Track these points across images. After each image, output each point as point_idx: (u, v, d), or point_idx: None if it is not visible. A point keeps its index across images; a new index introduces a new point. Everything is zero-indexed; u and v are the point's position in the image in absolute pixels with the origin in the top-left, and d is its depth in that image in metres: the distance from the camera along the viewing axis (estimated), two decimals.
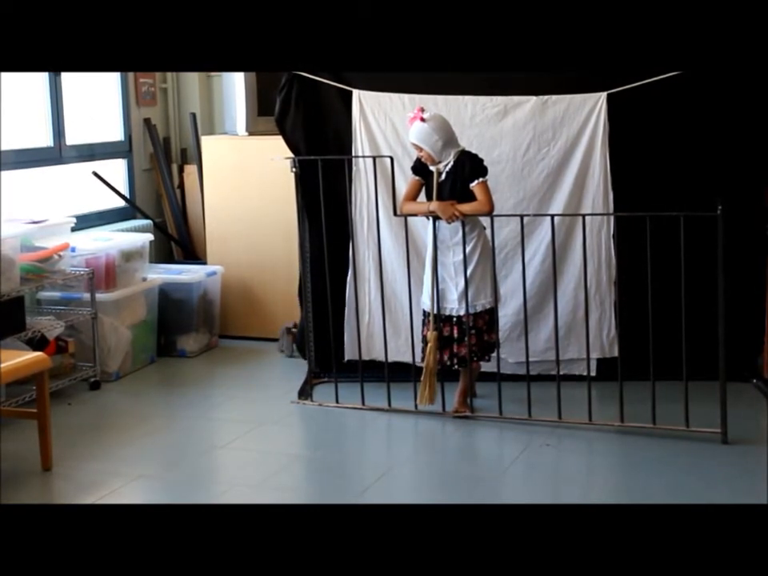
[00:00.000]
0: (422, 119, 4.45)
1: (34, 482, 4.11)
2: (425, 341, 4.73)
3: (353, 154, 5.11)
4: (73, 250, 5.28)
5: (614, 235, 4.74)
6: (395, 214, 4.78)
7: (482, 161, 4.52)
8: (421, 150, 4.50)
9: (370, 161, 4.97)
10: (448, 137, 4.49)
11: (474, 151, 4.59)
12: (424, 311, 4.76)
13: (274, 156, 5.19)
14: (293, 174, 4.95)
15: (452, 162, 4.50)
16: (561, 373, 4.64)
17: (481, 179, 4.46)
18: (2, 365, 4.04)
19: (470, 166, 4.48)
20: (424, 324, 4.76)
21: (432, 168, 4.53)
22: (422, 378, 4.69)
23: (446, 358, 4.67)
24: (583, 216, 4.65)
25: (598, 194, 4.97)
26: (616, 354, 4.70)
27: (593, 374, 4.77)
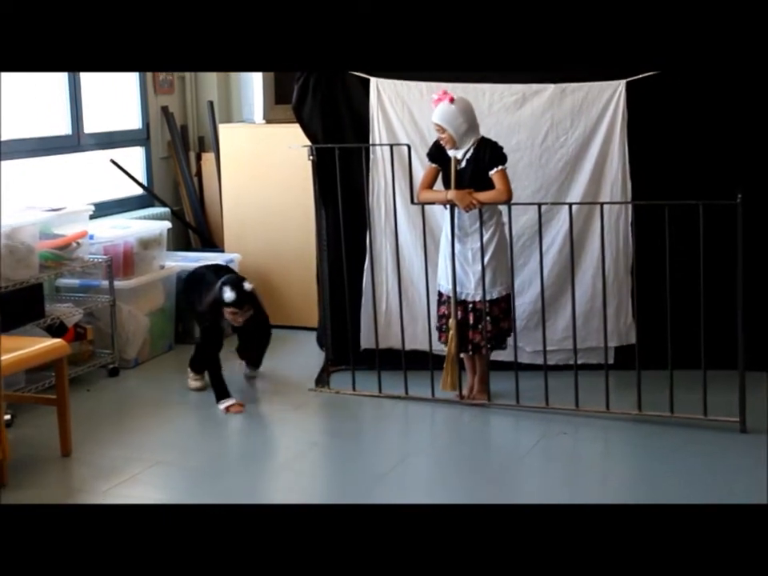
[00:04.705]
0: (452, 99, 4.44)
1: (53, 467, 4.14)
2: (440, 319, 4.74)
3: (370, 142, 5.10)
4: (91, 237, 5.30)
5: (632, 224, 4.72)
6: (412, 202, 4.77)
7: (501, 148, 4.51)
8: (444, 131, 4.48)
9: (387, 149, 4.95)
10: (471, 122, 4.48)
11: (492, 139, 4.58)
12: (439, 292, 4.76)
13: (291, 144, 5.18)
14: (310, 162, 4.95)
15: (472, 150, 4.49)
16: (578, 362, 4.63)
17: (500, 167, 4.45)
18: (22, 351, 4.08)
19: (490, 154, 4.47)
20: (438, 304, 4.77)
21: (450, 154, 4.52)
22: (444, 366, 4.69)
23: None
24: (601, 204, 4.64)
25: (616, 182, 4.95)
26: (633, 341, 4.69)
27: (610, 362, 4.76)
